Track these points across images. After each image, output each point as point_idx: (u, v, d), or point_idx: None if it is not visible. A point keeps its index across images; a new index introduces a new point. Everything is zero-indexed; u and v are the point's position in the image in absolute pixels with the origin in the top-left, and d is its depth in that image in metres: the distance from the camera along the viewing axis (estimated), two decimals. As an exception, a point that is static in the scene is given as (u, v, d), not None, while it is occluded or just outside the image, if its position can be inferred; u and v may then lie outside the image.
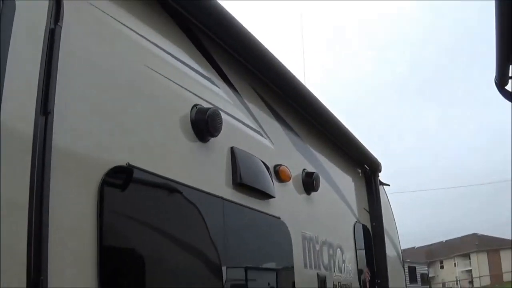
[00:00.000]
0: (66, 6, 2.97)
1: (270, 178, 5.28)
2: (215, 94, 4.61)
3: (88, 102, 3.16)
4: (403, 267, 12.28)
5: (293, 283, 5.55)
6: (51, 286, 2.62)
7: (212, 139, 4.31)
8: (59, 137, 2.82)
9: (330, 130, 7.36)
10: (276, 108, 5.89)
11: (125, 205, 3.40)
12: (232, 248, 4.49)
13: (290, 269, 5.57)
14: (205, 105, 4.30)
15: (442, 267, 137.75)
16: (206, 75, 4.56)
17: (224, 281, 4.29)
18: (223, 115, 4.40)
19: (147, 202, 3.62)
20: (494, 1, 5.68)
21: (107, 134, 3.30)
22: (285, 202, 5.63)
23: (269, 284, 5.27)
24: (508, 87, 6.07)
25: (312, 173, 6.39)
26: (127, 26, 3.63)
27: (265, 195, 5.13)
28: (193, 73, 4.35)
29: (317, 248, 6.33)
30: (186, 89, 4.18)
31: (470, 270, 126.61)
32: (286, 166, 5.68)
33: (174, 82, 4.04)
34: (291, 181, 5.82)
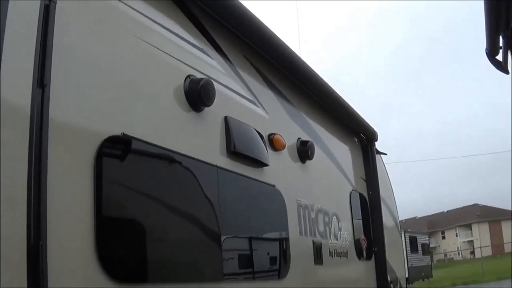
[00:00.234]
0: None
1: (264, 146, 5.35)
2: (208, 64, 4.68)
3: (82, 75, 3.26)
4: (401, 235, 12.36)
5: (288, 250, 5.63)
6: (50, 251, 2.74)
7: (206, 109, 4.39)
8: (55, 109, 2.92)
9: (325, 99, 7.39)
10: (270, 78, 5.95)
11: (120, 174, 3.50)
12: (227, 216, 4.57)
13: (285, 236, 5.64)
14: (198, 75, 4.38)
15: (443, 237, 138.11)
16: (199, 46, 4.62)
17: (219, 247, 4.40)
18: (216, 85, 4.48)
19: (142, 171, 3.71)
20: None
21: (102, 105, 3.39)
22: (280, 170, 5.70)
23: (263, 251, 5.37)
24: (499, 57, 6.14)
25: (307, 141, 6.45)
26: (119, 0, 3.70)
27: (259, 163, 5.21)
28: (186, 44, 4.42)
29: (312, 216, 6.41)
30: (179, 60, 4.25)
31: (472, 241, 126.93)
32: (281, 135, 5.75)
33: (167, 53, 4.12)
34: (285, 149, 5.89)
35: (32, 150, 2.74)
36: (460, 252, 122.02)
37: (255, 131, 5.23)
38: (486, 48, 5.96)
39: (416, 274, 44.76)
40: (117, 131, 3.41)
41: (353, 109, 8.31)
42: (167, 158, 3.93)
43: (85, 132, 3.22)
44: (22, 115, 2.75)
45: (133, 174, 3.61)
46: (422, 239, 49.68)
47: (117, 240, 3.42)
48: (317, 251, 6.42)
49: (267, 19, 5.52)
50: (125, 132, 3.46)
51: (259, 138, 5.29)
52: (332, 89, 7.40)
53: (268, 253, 5.44)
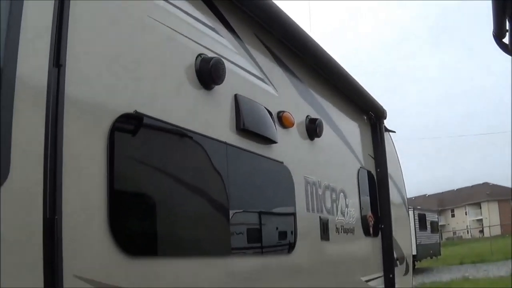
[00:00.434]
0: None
1: (273, 124, 5.42)
2: (219, 43, 4.75)
3: (97, 55, 3.36)
4: (409, 213, 12.42)
5: (295, 225, 5.73)
6: (65, 225, 2.86)
7: (216, 87, 4.47)
8: (71, 88, 3.03)
9: (335, 77, 7.44)
10: (280, 56, 6.01)
11: (133, 150, 3.62)
12: (235, 191, 4.67)
13: (292, 212, 5.73)
14: (210, 54, 4.45)
15: (453, 215, 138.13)
16: (211, 24, 4.69)
17: (228, 222, 4.51)
18: (227, 64, 4.56)
19: (154, 148, 3.82)
20: None
21: (115, 84, 3.49)
22: (288, 147, 5.79)
23: (270, 226, 5.48)
24: (505, 40, 6.19)
25: (316, 119, 6.52)
26: None
27: (268, 141, 5.29)
28: (197, 23, 4.49)
29: (320, 192, 6.49)
30: (191, 39, 4.33)
31: (481, 219, 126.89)
32: (289, 113, 5.82)
33: (179, 32, 4.20)
34: (294, 127, 5.97)
35: (48, 127, 2.86)
36: (469, 230, 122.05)
37: (264, 108, 5.31)
38: (493, 31, 6.02)
39: (425, 251, 44.78)
40: (130, 109, 3.51)
41: (362, 87, 8.36)
42: (178, 135, 4.04)
43: (99, 110, 3.32)
44: (39, 93, 2.86)
45: (145, 150, 3.72)
46: (431, 217, 49.59)
47: (129, 214, 3.54)
48: (324, 227, 6.51)
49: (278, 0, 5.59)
50: (138, 110, 3.56)
51: (268, 116, 5.37)
52: (342, 67, 7.45)
53: (275, 229, 5.55)
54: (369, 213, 8.55)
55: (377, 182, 9.06)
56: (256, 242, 5.09)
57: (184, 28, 4.28)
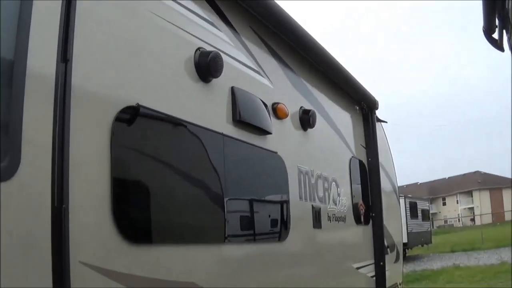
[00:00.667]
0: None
1: (268, 115, 5.54)
2: (217, 37, 4.88)
3: (101, 50, 3.49)
4: (399, 202, 12.53)
5: (288, 214, 5.86)
6: (72, 213, 3.01)
7: (214, 80, 4.60)
8: (77, 82, 3.18)
9: (328, 68, 7.55)
10: (275, 48, 6.12)
11: (134, 141, 3.75)
12: (231, 181, 4.80)
13: (286, 201, 5.87)
14: (208, 48, 4.58)
15: (444, 203, 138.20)
16: (209, 19, 4.80)
17: (224, 211, 4.65)
18: (224, 57, 4.68)
19: (155, 138, 3.96)
20: None
21: (118, 78, 3.63)
22: (282, 138, 5.91)
23: (265, 215, 5.62)
24: (495, 36, 6.31)
25: (309, 110, 6.64)
26: None
27: (263, 131, 5.41)
28: (196, 18, 4.60)
29: (312, 181, 6.61)
30: (189, 33, 4.46)
31: (472, 208, 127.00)
32: (284, 104, 5.94)
33: (178, 27, 4.32)
34: (288, 118, 6.09)
35: (56, 119, 3.01)
36: (460, 218, 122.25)
37: (259, 100, 5.43)
38: (483, 27, 6.14)
39: (416, 239, 44.99)
40: (132, 102, 3.65)
41: (354, 78, 8.47)
42: (177, 126, 4.17)
43: (104, 103, 3.46)
44: (48, 87, 3.01)
45: (146, 141, 3.86)
46: (422, 205, 49.76)
47: (131, 203, 3.70)
48: (316, 215, 6.64)
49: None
50: (140, 103, 3.70)
51: (263, 107, 5.49)
52: (334, 58, 7.57)
53: (269, 217, 5.70)
54: (361, 202, 8.67)
55: (369, 171, 9.16)
56: (251, 230, 5.25)
57: (183, 23, 4.41)
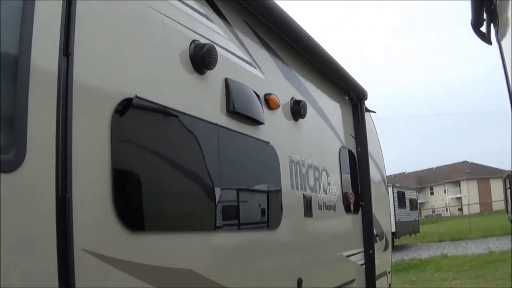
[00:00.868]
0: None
1: (260, 106, 5.65)
2: (211, 30, 4.96)
3: (101, 44, 3.59)
4: (388, 191, 12.66)
5: (280, 203, 5.98)
6: (75, 202, 3.11)
7: (208, 72, 4.70)
8: (79, 75, 3.28)
9: (318, 60, 7.66)
10: (268, 41, 6.22)
11: (133, 132, 3.85)
12: (225, 170, 4.89)
13: (278, 190, 5.98)
14: (202, 40, 4.68)
15: (432, 193, 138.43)
16: (203, 12, 4.89)
17: (220, 200, 4.76)
18: (218, 49, 4.77)
19: (153, 129, 4.06)
20: None
21: (118, 71, 3.73)
22: (274, 128, 6.01)
23: (257, 203, 5.73)
24: (483, 29, 6.39)
25: (300, 101, 6.75)
26: None
27: (256, 122, 5.51)
28: (191, 11, 4.69)
29: (303, 171, 6.73)
30: (185, 26, 4.55)
31: (460, 198, 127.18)
32: (276, 95, 6.04)
33: (175, 20, 4.41)
34: (280, 108, 6.18)
35: (60, 112, 3.11)
36: (448, 208, 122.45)
37: (252, 91, 5.54)
38: (471, 20, 6.23)
39: (404, 229, 45.04)
40: (130, 94, 3.75)
41: (344, 69, 8.59)
42: (174, 117, 4.26)
43: (104, 95, 3.56)
44: (51, 80, 3.10)
45: (144, 131, 3.96)
46: (410, 195, 49.85)
47: (131, 192, 3.80)
48: (307, 204, 6.78)
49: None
50: (138, 95, 3.80)
51: (256, 98, 5.60)
52: (325, 50, 7.67)
53: (262, 205, 5.81)
54: (350, 191, 8.80)
55: (358, 160, 9.30)
56: (245, 218, 5.37)
57: (179, 16, 4.49)
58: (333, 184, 7.87)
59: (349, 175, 8.91)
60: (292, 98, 6.71)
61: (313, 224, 7.00)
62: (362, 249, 9.07)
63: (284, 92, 6.50)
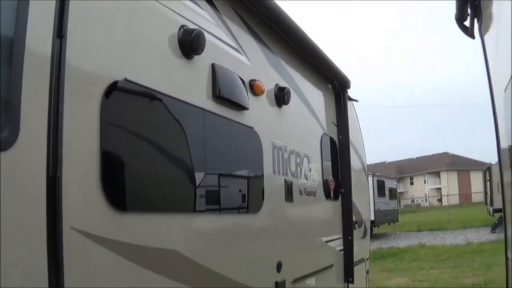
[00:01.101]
0: None
1: (245, 91, 5.74)
2: (200, 15, 5.04)
3: (93, 27, 3.67)
4: (368, 179, 12.79)
5: (262, 187, 6.11)
6: (65, 181, 3.21)
7: (196, 57, 4.79)
8: (71, 57, 3.36)
9: (303, 48, 7.73)
10: (254, 28, 6.30)
11: (122, 114, 3.92)
12: (210, 153, 4.99)
13: (260, 174, 6.09)
14: (191, 26, 4.76)
15: (412, 183, 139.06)
16: None
17: (204, 182, 4.88)
18: (206, 35, 4.86)
19: (140, 112, 4.15)
20: None
21: (108, 54, 3.80)
22: (258, 113, 6.10)
23: (240, 187, 5.83)
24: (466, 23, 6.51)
25: (284, 88, 6.84)
26: None
27: (240, 107, 5.60)
28: None
29: (286, 156, 6.83)
30: (174, 11, 4.62)
31: (440, 188, 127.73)
32: (261, 81, 6.13)
33: (165, 5, 4.49)
34: (264, 95, 6.28)
35: (52, 92, 3.19)
36: (427, 198, 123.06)
37: (238, 77, 5.62)
38: (455, 14, 6.35)
39: (383, 217, 45.32)
40: (120, 77, 3.84)
41: (328, 57, 8.67)
42: (161, 100, 4.33)
43: (95, 77, 3.64)
44: (45, 62, 3.19)
45: (132, 114, 4.03)
46: (390, 184, 50.02)
47: (118, 173, 3.88)
48: (288, 189, 6.88)
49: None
50: (127, 78, 3.89)
51: (241, 84, 5.68)
52: (310, 38, 7.74)
53: (244, 189, 5.90)
54: (330, 178, 8.89)
55: (339, 148, 9.41)
56: (227, 201, 5.46)
57: (169, 2, 4.56)
58: (314, 170, 7.97)
59: (330, 162, 9.01)
60: (277, 84, 6.80)
61: (293, 209, 7.10)
62: (341, 235, 9.20)
63: (269, 79, 6.59)
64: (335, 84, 9.50)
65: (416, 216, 71.53)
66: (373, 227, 42.45)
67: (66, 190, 3.23)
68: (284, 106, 6.88)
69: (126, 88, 3.92)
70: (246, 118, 5.76)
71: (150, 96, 4.22)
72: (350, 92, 10.10)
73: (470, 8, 6.27)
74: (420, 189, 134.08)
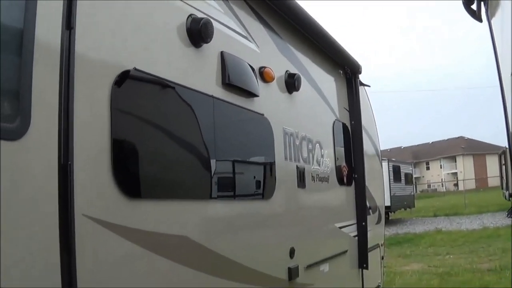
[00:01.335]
0: None
1: (255, 79, 5.77)
2: (208, 4, 5.07)
3: (101, 18, 3.72)
4: (382, 165, 12.77)
5: (274, 173, 6.13)
6: (76, 169, 3.28)
7: (205, 45, 4.82)
8: (80, 48, 3.42)
9: (313, 34, 7.73)
10: (262, 15, 6.30)
11: (132, 103, 3.98)
12: (220, 140, 5.04)
13: (271, 161, 6.11)
14: (199, 15, 4.79)
15: (428, 168, 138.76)
16: None
17: (214, 169, 4.92)
18: (214, 23, 4.89)
19: (150, 100, 4.20)
20: None
21: (117, 44, 3.85)
22: (269, 100, 6.12)
23: (251, 174, 5.88)
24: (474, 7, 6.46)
25: (294, 74, 6.84)
26: None
27: (250, 94, 5.64)
28: None
29: (297, 143, 6.84)
30: (182, 0, 4.66)
31: (456, 173, 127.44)
32: (270, 68, 6.15)
33: None
34: (274, 81, 6.30)
35: (62, 83, 3.26)
36: (443, 183, 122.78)
37: (247, 64, 5.66)
38: None
39: (399, 203, 45.19)
40: (129, 66, 3.88)
41: (338, 43, 8.66)
42: (171, 89, 4.38)
43: (104, 67, 3.69)
44: (53, 53, 3.24)
45: (142, 103, 4.09)
46: (405, 169, 49.85)
47: (129, 160, 3.93)
48: (300, 175, 6.90)
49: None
50: (136, 67, 3.94)
51: (251, 71, 5.72)
52: (319, 24, 7.74)
53: (256, 176, 5.95)
54: (343, 163, 8.89)
55: (352, 134, 9.39)
56: (239, 188, 5.50)
57: None
58: (326, 156, 7.98)
59: (342, 148, 9.01)
60: (287, 71, 6.81)
61: (306, 195, 7.12)
62: (355, 221, 9.20)
63: (279, 65, 6.60)
64: (346, 70, 9.48)
65: (432, 201, 71.47)
66: (389, 213, 42.42)
67: (78, 178, 3.29)
68: (294, 93, 6.90)
69: (135, 77, 3.96)
70: (256, 105, 5.79)
71: (159, 84, 4.27)
72: (364, 78, 10.09)
73: None
74: (436, 174, 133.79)
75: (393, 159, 49.67)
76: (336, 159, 8.53)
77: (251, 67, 5.74)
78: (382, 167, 12.80)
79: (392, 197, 41.34)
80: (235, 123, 5.52)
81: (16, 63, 3.02)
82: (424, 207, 56.70)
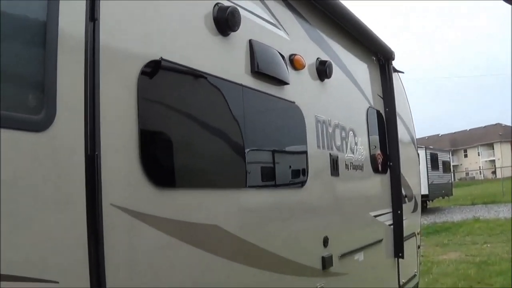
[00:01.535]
0: None
1: (285, 66, 5.71)
2: None
3: (126, 9, 3.71)
4: (417, 152, 12.63)
5: (306, 162, 6.08)
6: (103, 159, 3.30)
7: (232, 33, 4.79)
8: (105, 39, 3.43)
9: (343, 20, 7.67)
10: (292, 2, 6.26)
11: (159, 93, 3.98)
12: (251, 129, 5.02)
13: (304, 149, 6.06)
14: (226, 3, 4.75)
15: (466, 155, 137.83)
16: None
17: (245, 159, 4.89)
18: (241, 11, 4.86)
19: (178, 90, 4.19)
20: None
21: (142, 33, 3.85)
22: (299, 88, 6.07)
23: (283, 163, 5.82)
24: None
25: (325, 61, 6.78)
26: None
27: (281, 82, 5.59)
28: None
29: (330, 130, 6.79)
30: None
31: (494, 160, 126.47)
32: (301, 55, 6.10)
33: None
34: (305, 69, 6.25)
35: (87, 74, 3.27)
36: (481, 171, 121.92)
37: (277, 52, 5.60)
38: None
39: (437, 191, 44.87)
40: (156, 56, 3.87)
41: (370, 29, 8.57)
42: (199, 78, 4.36)
43: (130, 58, 3.69)
44: (79, 45, 3.26)
45: (170, 93, 4.08)
46: (443, 157, 49.46)
47: (157, 150, 3.93)
48: (334, 163, 6.84)
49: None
50: (163, 57, 3.92)
51: (281, 59, 5.66)
52: (350, 11, 7.66)
53: (287, 164, 5.90)
54: (378, 151, 8.81)
55: (386, 121, 9.30)
56: (271, 176, 5.46)
57: None
58: (360, 144, 7.92)
59: (377, 136, 8.93)
60: (318, 58, 6.76)
61: (339, 184, 7.06)
62: (390, 210, 9.12)
63: (309, 53, 6.54)
64: (379, 56, 9.38)
65: (470, 189, 70.96)
66: (427, 201, 42.18)
67: (105, 168, 3.31)
68: (326, 80, 6.84)
69: (163, 66, 3.95)
70: (287, 93, 5.74)
71: (186, 73, 4.25)
72: (401, 65, 9.98)
73: None
74: (474, 162, 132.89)
75: (431, 147, 49.32)
76: (370, 147, 8.45)
77: (281, 54, 5.68)
78: (418, 154, 12.65)
79: (430, 186, 41.10)
80: (266, 112, 5.48)
81: (41, 56, 3.04)
82: (462, 195, 56.28)
